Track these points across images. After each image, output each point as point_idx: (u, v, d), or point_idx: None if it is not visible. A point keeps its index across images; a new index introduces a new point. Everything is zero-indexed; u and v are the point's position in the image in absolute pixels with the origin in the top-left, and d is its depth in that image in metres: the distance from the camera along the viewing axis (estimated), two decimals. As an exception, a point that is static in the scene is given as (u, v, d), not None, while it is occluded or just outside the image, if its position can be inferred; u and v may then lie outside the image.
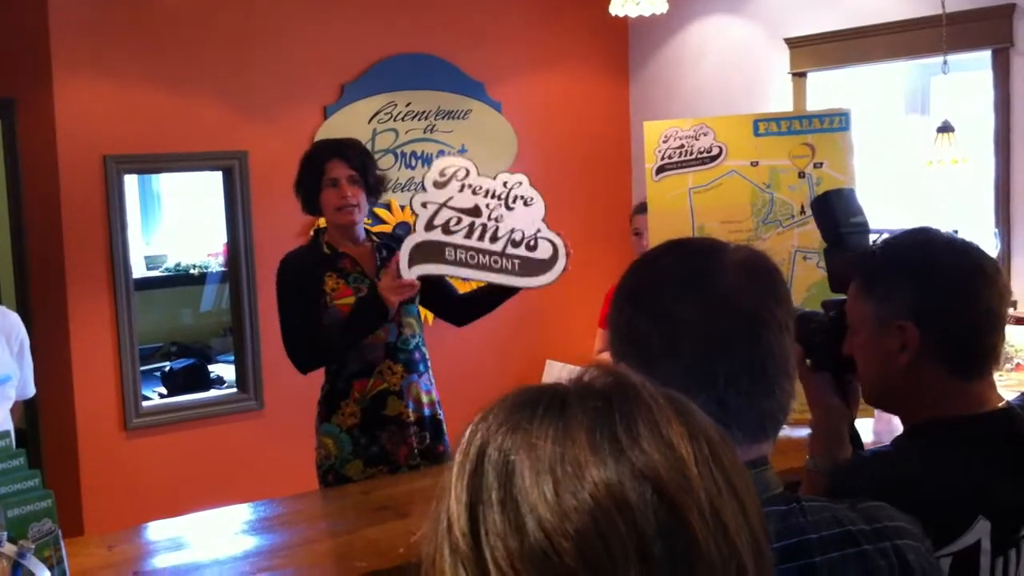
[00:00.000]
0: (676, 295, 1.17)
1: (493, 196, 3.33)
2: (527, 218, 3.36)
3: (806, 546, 1.07)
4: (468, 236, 3.31)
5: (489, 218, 3.33)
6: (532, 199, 3.37)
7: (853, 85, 5.30)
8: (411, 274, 3.23)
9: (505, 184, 3.35)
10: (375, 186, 3.42)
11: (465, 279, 3.39)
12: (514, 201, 3.35)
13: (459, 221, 3.30)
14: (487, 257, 3.33)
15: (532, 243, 3.37)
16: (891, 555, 1.11)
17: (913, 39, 4.79)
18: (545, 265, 3.38)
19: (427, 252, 3.27)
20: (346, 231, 3.37)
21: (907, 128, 5.21)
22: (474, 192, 3.32)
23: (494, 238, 3.33)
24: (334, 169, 3.33)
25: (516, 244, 3.36)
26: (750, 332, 1.14)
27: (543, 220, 3.37)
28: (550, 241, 3.37)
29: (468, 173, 3.32)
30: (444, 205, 3.30)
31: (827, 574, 1.07)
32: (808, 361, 1.70)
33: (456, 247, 3.30)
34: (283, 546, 2.71)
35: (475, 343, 5.28)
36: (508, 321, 5.65)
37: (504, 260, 3.34)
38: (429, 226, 3.28)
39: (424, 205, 3.30)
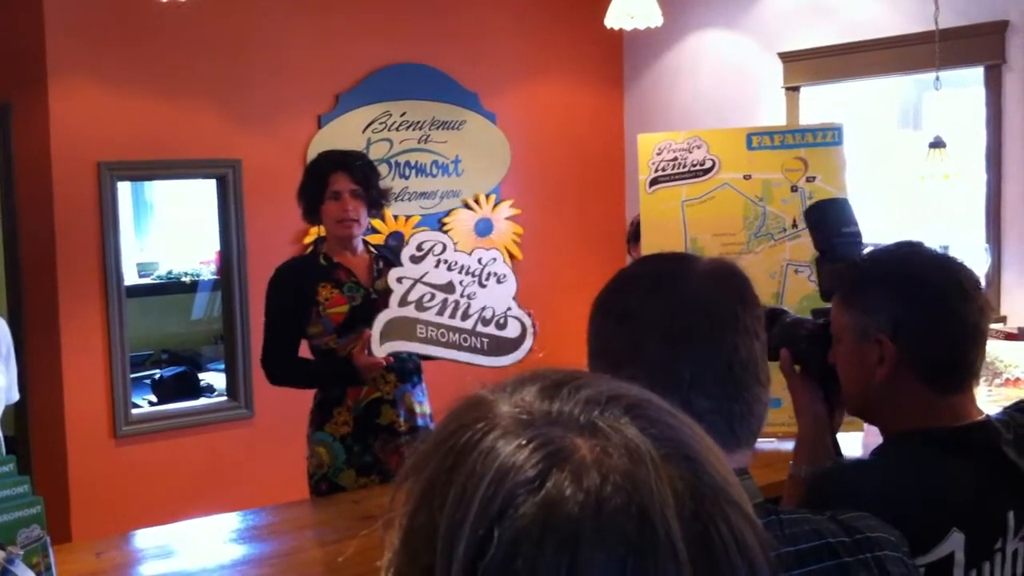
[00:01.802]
0: (641, 297, 1.18)
1: (467, 272, 3.33)
2: (499, 296, 3.36)
3: (782, 560, 1.07)
4: (440, 313, 3.31)
5: (462, 295, 3.32)
6: (505, 276, 3.36)
7: (846, 100, 5.32)
8: (382, 352, 3.22)
9: (480, 260, 3.35)
10: (377, 199, 3.44)
11: (434, 358, 3.37)
12: (487, 278, 3.35)
13: (432, 297, 3.30)
14: (457, 335, 3.33)
15: (502, 321, 3.36)
16: (872, 567, 1.11)
17: (906, 55, 4.81)
18: (513, 344, 3.37)
19: (399, 328, 3.27)
20: (345, 243, 3.39)
21: (899, 143, 5.24)
22: (449, 268, 3.32)
23: (465, 315, 3.33)
24: (337, 182, 3.34)
25: (486, 322, 3.35)
26: (715, 333, 1.15)
27: (514, 298, 3.37)
28: (519, 320, 3.37)
29: (445, 248, 3.32)
30: (419, 281, 3.29)
31: None
32: (798, 367, 1.72)
33: (428, 324, 3.30)
34: (272, 555, 2.70)
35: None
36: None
37: (474, 338, 3.34)
38: (403, 302, 3.27)
39: (399, 280, 3.28)
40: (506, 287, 3.37)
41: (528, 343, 3.38)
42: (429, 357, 3.38)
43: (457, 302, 3.32)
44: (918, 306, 1.51)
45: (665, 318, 1.15)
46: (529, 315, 3.38)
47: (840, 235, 1.84)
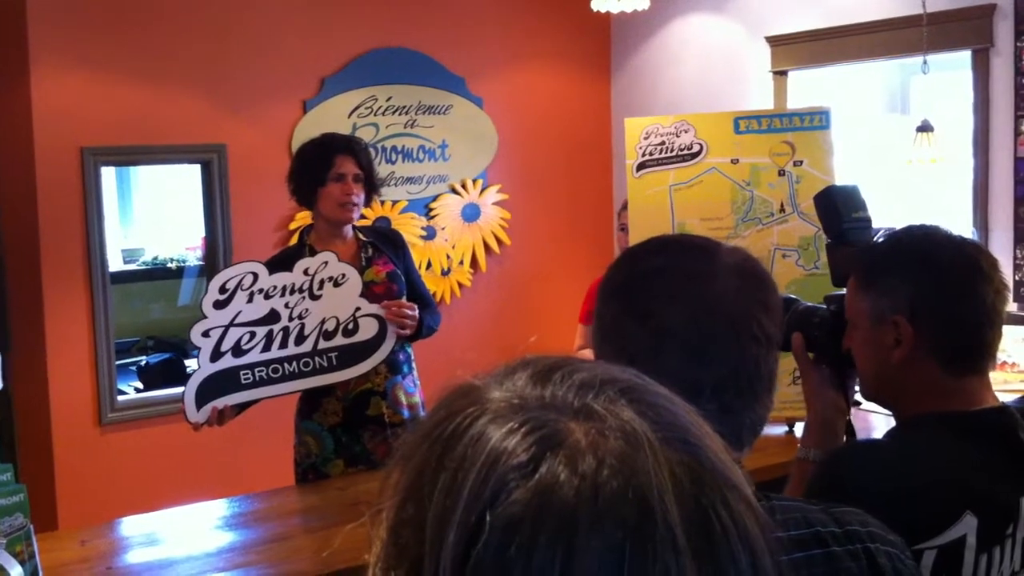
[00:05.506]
0: (666, 297, 1.15)
1: (292, 291, 3.06)
2: (341, 300, 3.10)
3: None
4: (267, 349, 3.03)
5: (291, 318, 3.06)
6: (344, 276, 3.11)
7: (834, 84, 5.32)
8: (200, 416, 3.01)
9: (307, 272, 3.08)
10: (376, 187, 3.40)
11: (272, 397, 3.12)
12: (320, 287, 3.08)
13: (252, 337, 3.02)
14: (294, 364, 3.08)
15: (351, 326, 3.11)
16: (861, 557, 1.10)
17: (894, 38, 4.81)
18: (371, 345, 3.13)
19: (219, 384, 3.00)
20: (338, 228, 3.33)
21: (887, 127, 5.23)
22: (267, 296, 3.04)
23: (300, 339, 3.07)
24: (344, 164, 3.28)
25: (330, 335, 3.09)
26: (737, 343, 1.13)
27: (361, 295, 3.12)
28: (373, 317, 3.13)
29: (256, 278, 3.04)
30: (231, 325, 3.01)
31: (792, 573, 1.07)
32: (811, 354, 1.71)
33: (254, 366, 3.03)
34: (258, 541, 2.69)
35: (457, 341, 5.27)
36: (490, 317, 5.64)
37: (317, 358, 3.10)
38: (215, 355, 2.99)
39: (206, 334, 3.00)
40: (347, 287, 3.11)
41: (392, 336, 3.15)
42: (257, 400, 3.13)
43: (286, 328, 3.06)
44: (936, 287, 1.50)
45: (689, 325, 1.13)
46: (382, 307, 3.15)
47: (850, 220, 1.84)
